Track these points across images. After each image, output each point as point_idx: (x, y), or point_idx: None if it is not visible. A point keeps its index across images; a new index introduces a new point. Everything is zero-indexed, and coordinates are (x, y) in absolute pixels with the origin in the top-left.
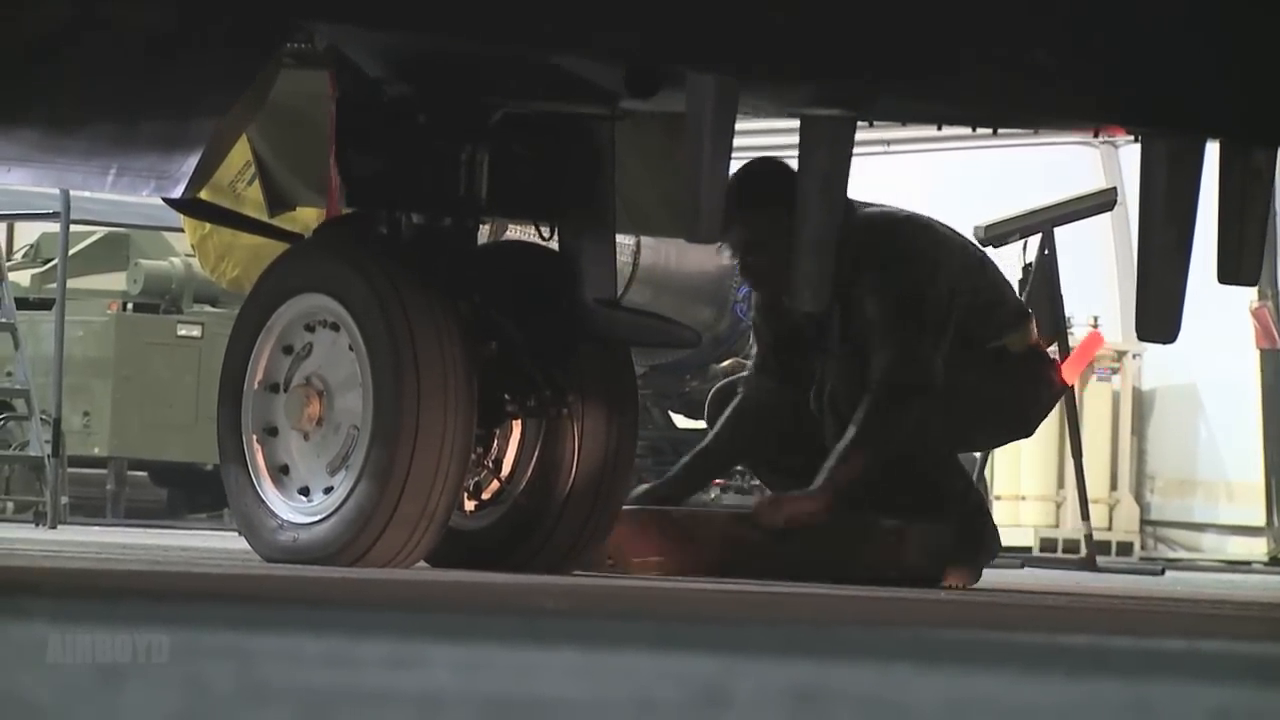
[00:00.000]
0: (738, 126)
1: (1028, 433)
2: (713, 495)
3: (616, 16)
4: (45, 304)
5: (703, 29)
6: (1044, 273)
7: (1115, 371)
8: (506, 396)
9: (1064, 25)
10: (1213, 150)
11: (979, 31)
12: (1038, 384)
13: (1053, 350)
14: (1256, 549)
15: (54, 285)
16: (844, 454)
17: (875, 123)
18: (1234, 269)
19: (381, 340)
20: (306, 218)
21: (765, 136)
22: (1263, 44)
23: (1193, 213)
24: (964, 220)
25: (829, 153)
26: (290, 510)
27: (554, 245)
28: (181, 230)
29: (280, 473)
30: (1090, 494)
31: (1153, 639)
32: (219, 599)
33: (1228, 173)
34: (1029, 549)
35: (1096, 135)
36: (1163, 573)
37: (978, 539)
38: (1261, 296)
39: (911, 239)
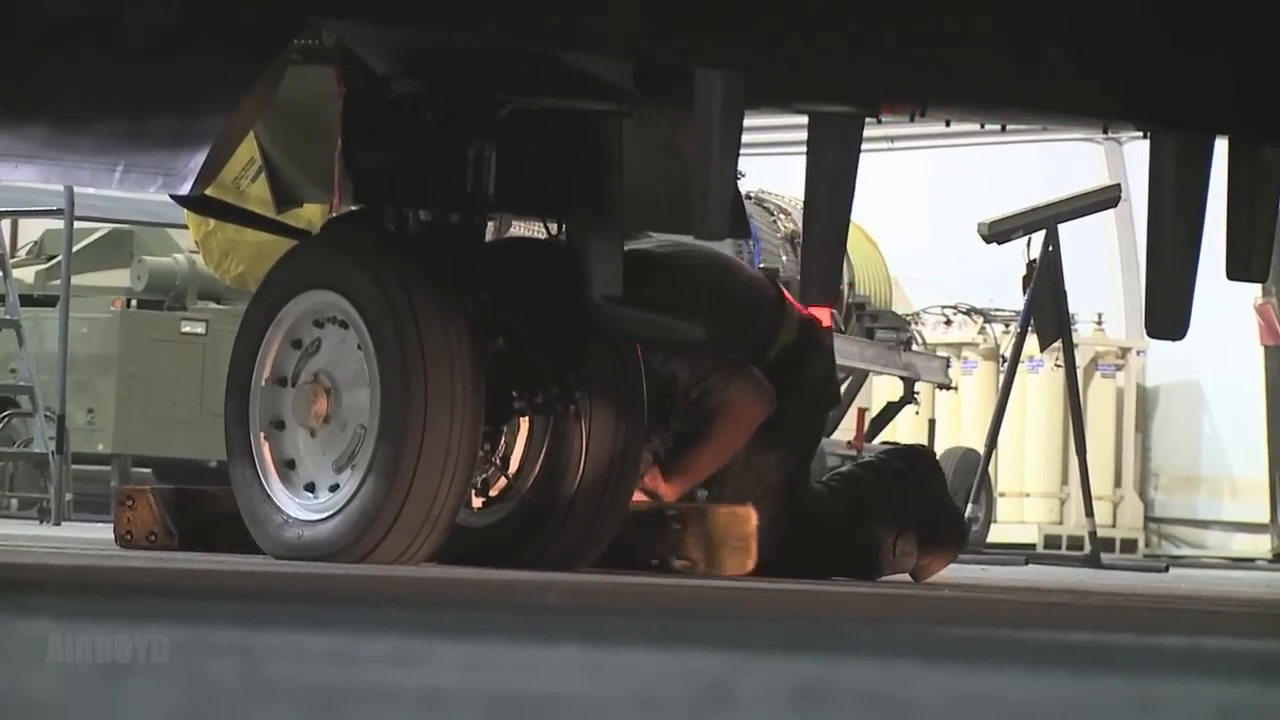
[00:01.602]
0: (745, 123)
1: (834, 403)
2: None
3: (624, 12)
4: (49, 301)
5: (711, 25)
6: (1048, 270)
7: (1119, 368)
8: (514, 393)
9: (1074, 21)
10: (1221, 147)
11: (989, 27)
12: (816, 367)
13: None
14: (1261, 546)
15: (58, 282)
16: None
17: (882, 119)
18: (1243, 265)
19: (389, 338)
20: (311, 214)
21: (773, 133)
22: (1271, 40)
23: (1201, 209)
24: (968, 217)
25: (837, 150)
26: (296, 507)
27: (561, 241)
28: (185, 227)
29: (286, 468)
30: (1094, 491)
31: (1156, 636)
32: (223, 596)
33: (1237, 169)
34: (1033, 545)
35: (1105, 132)
36: (1167, 569)
37: (941, 530)
38: (1266, 294)
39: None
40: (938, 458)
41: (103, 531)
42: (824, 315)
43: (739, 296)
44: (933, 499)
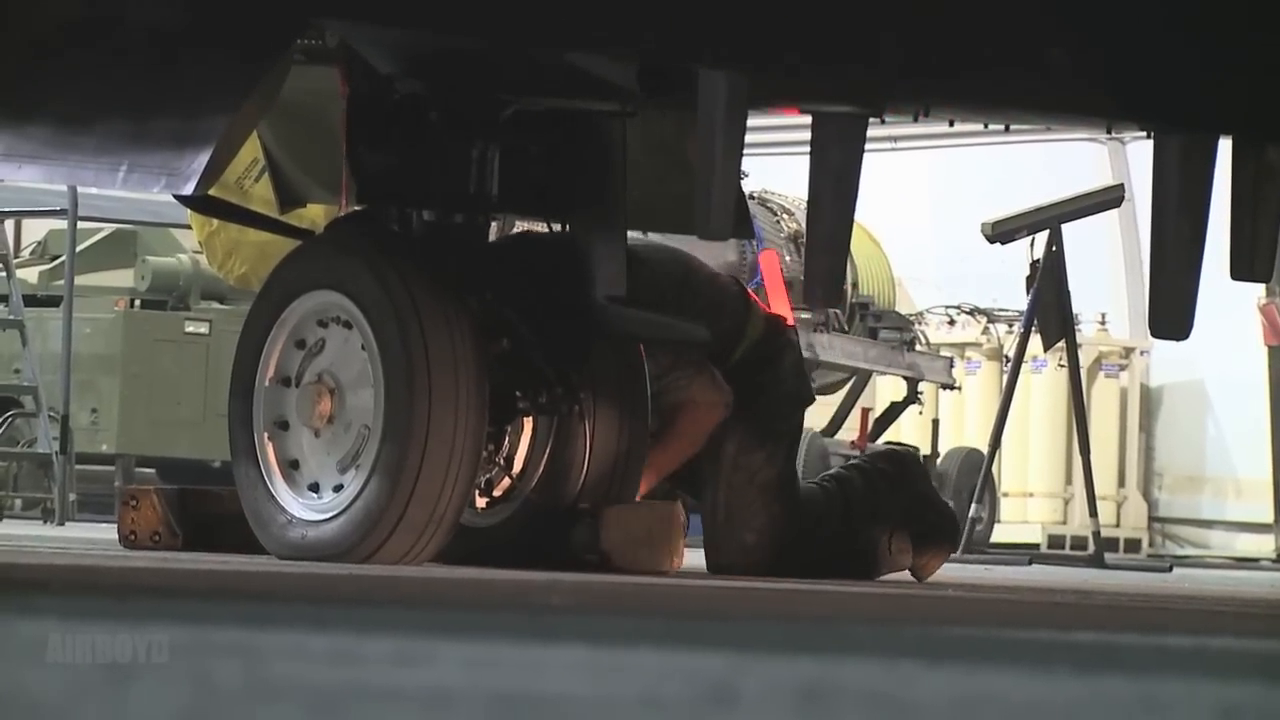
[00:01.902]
0: (749, 123)
1: (810, 400)
2: None
3: (628, 13)
4: (53, 301)
5: (716, 25)
6: (1051, 270)
7: (1123, 368)
8: (518, 393)
9: (1078, 22)
10: (1225, 147)
11: (993, 29)
12: (787, 363)
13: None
14: (1264, 546)
15: (61, 282)
16: None
17: (885, 119)
18: (1247, 266)
19: (393, 338)
20: (315, 214)
21: (777, 133)
22: (1275, 41)
23: (1205, 210)
24: (971, 217)
25: (841, 150)
26: (300, 507)
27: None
28: (189, 227)
29: (290, 468)
30: (1098, 491)
31: (1160, 636)
32: (226, 596)
33: (1240, 170)
34: (1037, 545)
35: (1109, 132)
36: (1170, 569)
37: (933, 525)
38: (1270, 294)
39: None
40: (942, 458)
41: (106, 532)
42: (787, 313)
43: (701, 291)
44: (919, 496)
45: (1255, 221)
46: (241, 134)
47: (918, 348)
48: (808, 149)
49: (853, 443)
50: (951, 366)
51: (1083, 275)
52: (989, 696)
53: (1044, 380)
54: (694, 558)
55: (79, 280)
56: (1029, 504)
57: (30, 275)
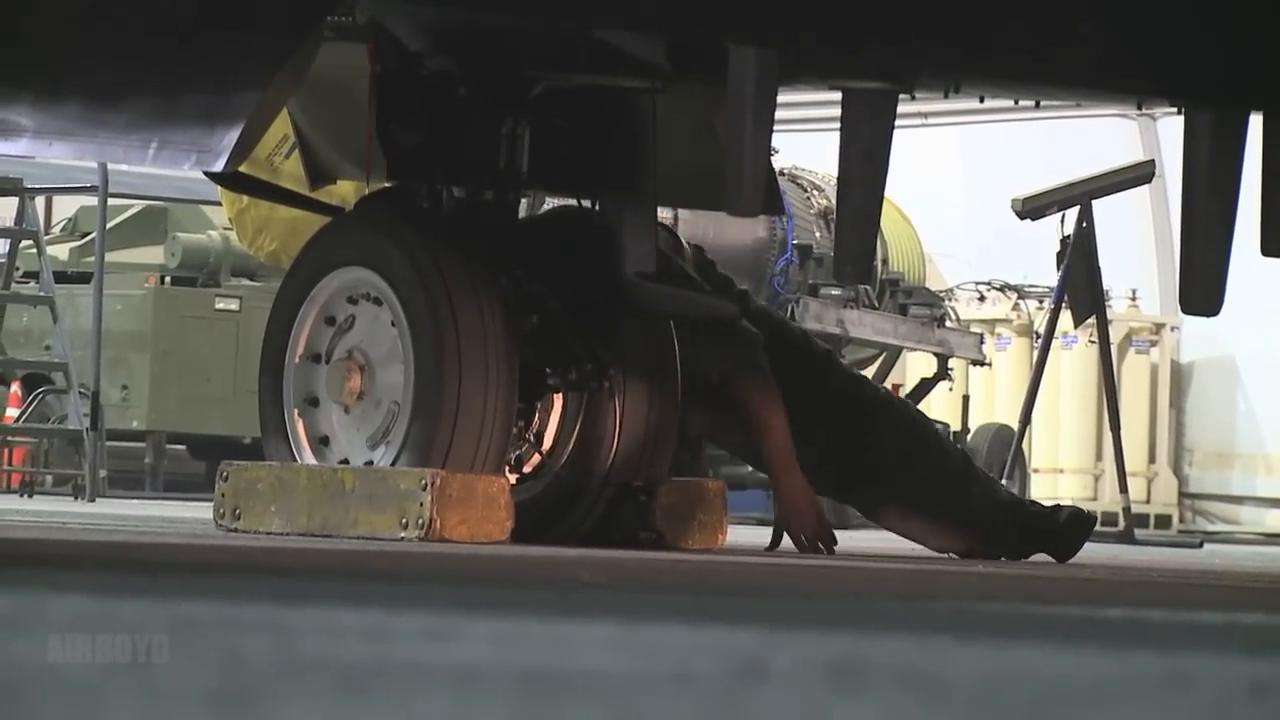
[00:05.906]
0: (779, 99)
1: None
2: None
3: None
4: (83, 278)
5: (746, 1)
6: (1082, 246)
7: (1154, 344)
8: (548, 370)
9: None
10: (1256, 123)
11: (1023, 4)
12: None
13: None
14: None
15: (92, 259)
16: None
17: (915, 95)
18: (1278, 241)
19: (423, 315)
20: (345, 191)
21: (807, 109)
22: None
23: (1236, 185)
24: (1001, 193)
25: (871, 126)
26: None
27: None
28: (219, 204)
29: (320, 444)
30: (1128, 467)
31: (1191, 612)
32: (258, 572)
33: (1271, 145)
34: None
35: (1140, 108)
36: (1201, 545)
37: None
38: None
39: None
40: (972, 434)
41: (137, 508)
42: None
43: None
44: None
45: None
46: (272, 110)
47: (948, 324)
48: (838, 125)
49: None
50: (982, 343)
51: (1113, 251)
52: (1019, 672)
53: (1074, 356)
54: (735, 534)
55: (109, 257)
56: (1059, 480)
57: (61, 252)
